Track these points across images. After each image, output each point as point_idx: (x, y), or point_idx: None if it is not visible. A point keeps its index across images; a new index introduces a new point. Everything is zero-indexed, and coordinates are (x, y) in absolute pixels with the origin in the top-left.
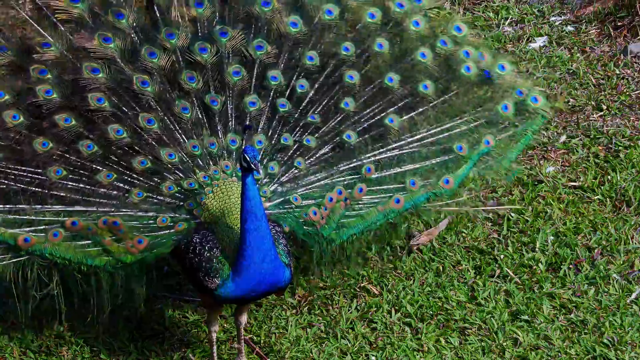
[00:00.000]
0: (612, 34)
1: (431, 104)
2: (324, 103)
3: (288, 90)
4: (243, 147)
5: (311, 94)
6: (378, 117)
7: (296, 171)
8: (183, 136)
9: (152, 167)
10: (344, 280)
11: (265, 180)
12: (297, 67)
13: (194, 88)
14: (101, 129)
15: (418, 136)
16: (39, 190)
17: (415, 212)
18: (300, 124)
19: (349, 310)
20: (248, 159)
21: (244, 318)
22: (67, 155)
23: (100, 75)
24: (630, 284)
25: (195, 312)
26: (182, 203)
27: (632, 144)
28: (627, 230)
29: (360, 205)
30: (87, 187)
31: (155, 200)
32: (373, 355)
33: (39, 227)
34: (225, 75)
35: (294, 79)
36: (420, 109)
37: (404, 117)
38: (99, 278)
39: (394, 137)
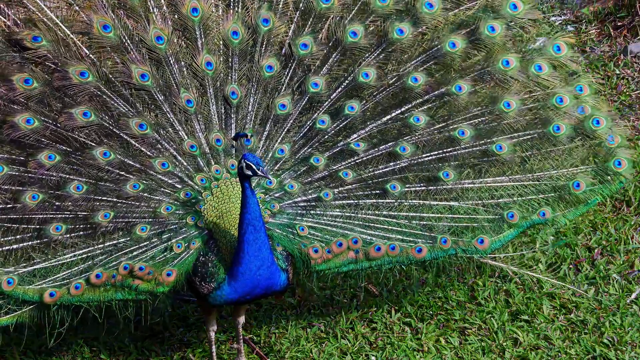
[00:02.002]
0: (612, 34)
1: (502, 164)
2: (373, 133)
3: (329, 104)
4: (242, 154)
5: (359, 118)
6: (434, 172)
7: (318, 201)
8: (183, 133)
9: (145, 187)
10: (344, 280)
11: (277, 194)
12: (346, 81)
13: (210, 75)
14: (87, 157)
15: (470, 188)
16: (46, 245)
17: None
18: (338, 148)
19: (349, 310)
20: (253, 166)
21: (242, 318)
22: (59, 204)
23: (89, 78)
24: (630, 284)
25: (195, 312)
26: (184, 220)
27: (632, 144)
28: (627, 230)
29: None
30: (90, 238)
31: (160, 228)
32: (373, 355)
33: (59, 276)
34: (254, 67)
35: (340, 92)
36: (488, 169)
37: (464, 174)
38: (127, 306)
39: (442, 187)
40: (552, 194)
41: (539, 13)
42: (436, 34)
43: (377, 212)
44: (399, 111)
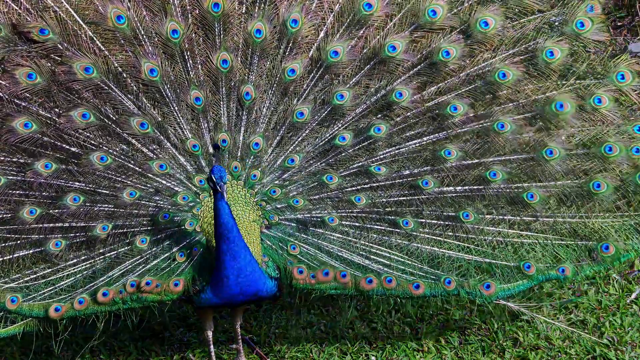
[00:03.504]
0: (612, 33)
1: (533, 217)
2: (397, 159)
3: (353, 120)
4: (212, 166)
5: (385, 141)
6: (455, 209)
7: (321, 223)
8: (187, 132)
9: (142, 194)
10: None
11: (279, 205)
12: (376, 97)
13: (224, 74)
14: (84, 163)
15: (490, 231)
16: (47, 259)
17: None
18: (355, 169)
19: (348, 310)
20: (214, 179)
21: (238, 319)
22: (57, 214)
23: (93, 74)
24: (630, 284)
25: (195, 312)
26: (183, 226)
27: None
28: None
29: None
30: (90, 251)
31: (160, 238)
32: (373, 355)
33: (63, 289)
34: (275, 68)
35: (368, 109)
36: (513, 213)
37: (486, 216)
38: (133, 311)
39: (459, 227)
40: (581, 242)
41: (607, 35)
42: (487, 56)
43: (383, 238)
44: (431, 140)
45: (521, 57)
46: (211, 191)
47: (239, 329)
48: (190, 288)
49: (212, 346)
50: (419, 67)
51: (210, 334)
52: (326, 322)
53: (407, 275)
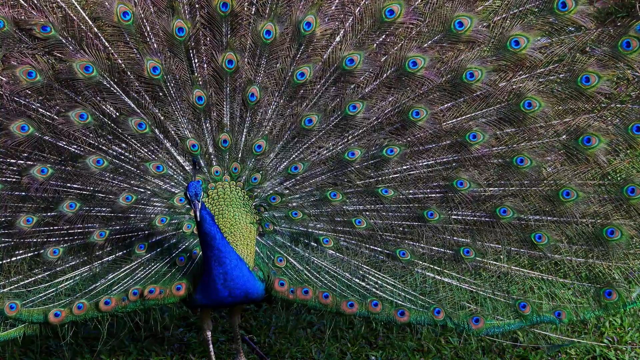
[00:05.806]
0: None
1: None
2: (406, 182)
3: (364, 133)
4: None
5: (396, 162)
6: (456, 243)
7: (315, 241)
8: (187, 132)
9: (139, 198)
10: None
11: (277, 214)
12: (392, 112)
13: (229, 74)
14: (80, 167)
15: (491, 265)
16: (46, 268)
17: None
18: (361, 188)
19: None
20: (189, 196)
21: (236, 318)
22: (54, 225)
23: (93, 73)
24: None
25: (192, 312)
26: (181, 230)
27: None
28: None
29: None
30: (88, 258)
31: (158, 242)
32: (373, 355)
33: (62, 293)
34: (284, 71)
35: (381, 123)
36: (520, 252)
37: (489, 253)
38: (135, 313)
39: (459, 259)
40: (588, 285)
41: None
42: (517, 77)
43: (378, 258)
44: (444, 166)
45: (553, 80)
46: (207, 192)
47: (238, 329)
48: (192, 290)
49: (211, 346)
50: (440, 86)
51: (209, 333)
52: (326, 322)
53: (396, 299)
